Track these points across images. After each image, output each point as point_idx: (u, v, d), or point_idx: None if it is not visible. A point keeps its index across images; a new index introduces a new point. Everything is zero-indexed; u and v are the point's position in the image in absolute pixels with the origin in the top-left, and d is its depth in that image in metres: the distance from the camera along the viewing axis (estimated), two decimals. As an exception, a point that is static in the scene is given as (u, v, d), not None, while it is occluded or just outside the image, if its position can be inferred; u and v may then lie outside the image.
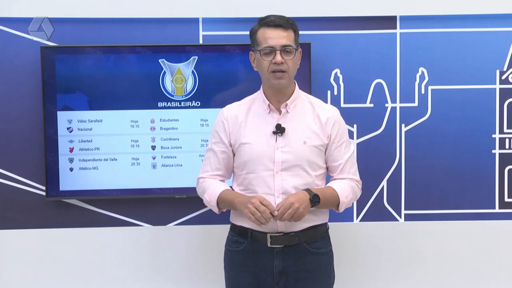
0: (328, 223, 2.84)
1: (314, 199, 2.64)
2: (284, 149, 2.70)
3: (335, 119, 2.79)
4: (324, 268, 2.78)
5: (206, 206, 2.80)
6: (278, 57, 2.66)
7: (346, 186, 2.77)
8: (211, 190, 2.78)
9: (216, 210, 2.79)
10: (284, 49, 2.67)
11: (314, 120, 2.77)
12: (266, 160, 2.70)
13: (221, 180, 2.84)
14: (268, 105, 2.75)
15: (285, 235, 2.70)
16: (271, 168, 2.70)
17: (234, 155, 2.80)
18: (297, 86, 2.79)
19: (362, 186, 2.88)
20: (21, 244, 3.47)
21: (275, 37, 2.67)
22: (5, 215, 3.47)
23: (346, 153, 2.80)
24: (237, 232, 2.79)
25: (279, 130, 2.71)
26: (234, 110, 2.81)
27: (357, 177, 2.85)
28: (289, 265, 2.71)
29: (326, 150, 2.78)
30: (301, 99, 2.79)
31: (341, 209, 2.77)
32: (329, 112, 2.80)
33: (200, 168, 2.88)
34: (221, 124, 2.80)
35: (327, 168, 2.83)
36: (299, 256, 2.72)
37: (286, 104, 2.74)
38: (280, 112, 2.75)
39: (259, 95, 2.80)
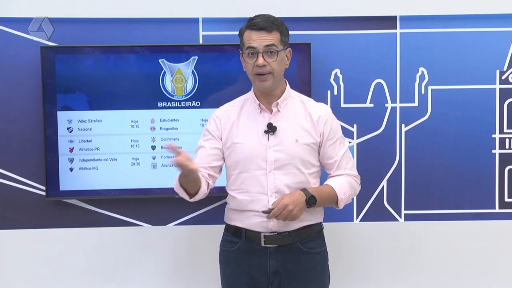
0: (328, 223, 2.84)
1: (310, 201, 2.64)
2: (276, 148, 2.70)
3: (327, 117, 2.78)
4: (319, 268, 2.77)
5: (206, 206, 2.80)
6: (260, 60, 2.65)
7: (344, 182, 2.77)
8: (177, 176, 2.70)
9: (183, 194, 2.70)
10: (267, 50, 2.66)
11: (306, 118, 2.76)
12: (258, 159, 2.70)
13: (209, 175, 2.77)
14: (259, 104, 2.75)
15: (279, 234, 2.70)
16: (263, 167, 2.70)
17: (224, 156, 2.79)
18: (288, 85, 2.79)
19: (362, 186, 2.88)
20: (21, 244, 3.47)
21: (258, 39, 2.66)
22: (5, 215, 3.47)
23: (341, 149, 2.79)
24: (231, 232, 2.79)
25: (271, 129, 2.71)
26: (226, 110, 2.82)
27: (355, 172, 2.84)
28: (282, 265, 2.71)
29: (320, 148, 2.78)
30: (292, 98, 2.79)
31: (341, 205, 2.77)
32: (321, 110, 2.79)
33: None
34: (213, 122, 2.81)
35: (322, 166, 2.82)
36: (293, 256, 2.71)
37: (277, 103, 2.74)
38: (271, 111, 2.75)
39: (250, 95, 2.81)
